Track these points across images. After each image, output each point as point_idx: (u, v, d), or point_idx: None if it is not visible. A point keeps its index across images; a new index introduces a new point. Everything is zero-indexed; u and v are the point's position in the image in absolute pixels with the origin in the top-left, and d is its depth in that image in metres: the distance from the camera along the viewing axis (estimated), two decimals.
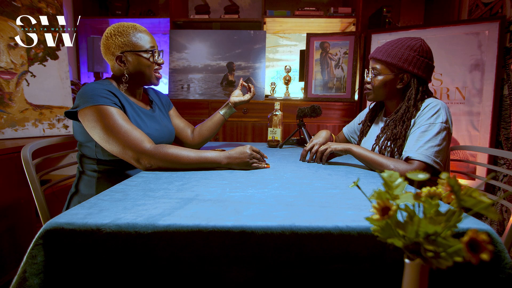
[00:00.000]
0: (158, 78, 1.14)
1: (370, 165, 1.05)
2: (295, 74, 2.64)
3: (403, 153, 1.04)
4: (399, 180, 0.40)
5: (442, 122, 1.01)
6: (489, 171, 1.83)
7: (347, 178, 0.91)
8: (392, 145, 1.09)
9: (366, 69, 1.21)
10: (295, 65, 2.64)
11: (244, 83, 1.45)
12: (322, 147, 1.14)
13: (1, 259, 1.37)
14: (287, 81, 2.56)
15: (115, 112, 0.95)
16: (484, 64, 1.90)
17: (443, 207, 0.58)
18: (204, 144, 1.41)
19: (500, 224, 1.88)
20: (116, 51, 1.04)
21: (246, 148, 1.01)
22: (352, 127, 1.48)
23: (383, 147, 1.12)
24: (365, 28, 2.55)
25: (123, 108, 1.01)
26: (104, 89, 0.98)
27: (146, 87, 1.28)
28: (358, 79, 2.36)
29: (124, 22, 1.08)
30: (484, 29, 1.89)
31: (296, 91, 2.70)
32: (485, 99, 1.91)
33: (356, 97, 2.37)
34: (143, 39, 1.07)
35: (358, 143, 1.34)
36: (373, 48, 2.25)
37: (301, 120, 1.56)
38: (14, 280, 0.50)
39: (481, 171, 1.89)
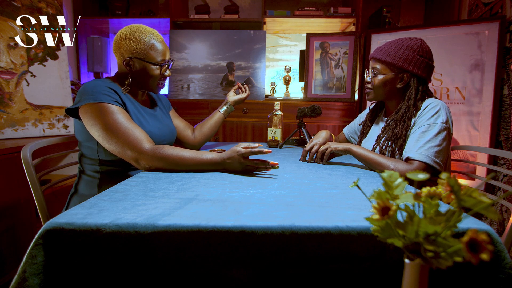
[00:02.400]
0: (159, 88, 1.13)
1: (370, 165, 1.05)
2: (295, 74, 2.64)
3: (403, 153, 1.04)
4: (399, 180, 0.40)
5: (442, 122, 1.01)
6: (489, 171, 1.83)
7: (347, 178, 0.91)
8: (393, 145, 1.09)
9: (366, 69, 1.21)
10: (295, 65, 2.64)
11: (240, 86, 1.48)
12: (322, 147, 1.14)
13: (1, 259, 1.37)
14: (287, 81, 2.56)
15: (116, 110, 0.95)
16: (484, 64, 1.90)
17: (443, 207, 0.58)
18: (205, 143, 1.42)
19: (500, 224, 1.88)
20: (125, 54, 1.03)
21: (237, 156, 0.93)
22: (352, 128, 1.48)
23: (383, 147, 1.12)
24: (365, 28, 2.55)
25: (124, 106, 1.01)
26: (105, 86, 0.98)
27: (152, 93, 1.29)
28: (358, 79, 2.36)
29: (143, 27, 1.05)
30: (484, 29, 1.89)
31: (296, 91, 2.70)
32: (485, 99, 1.91)
33: (356, 97, 2.36)
34: (156, 51, 1.05)
35: (359, 144, 1.34)
36: (373, 48, 2.25)
37: (301, 120, 1.56)
38: (14, 280, 0.50)
39: (481, 171, 1.89)
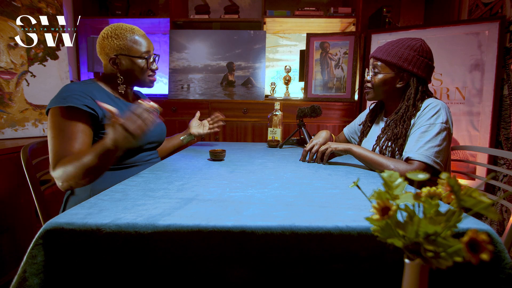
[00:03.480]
0: (152, 81, 1.13)
1: (370, 165, 1.05)
2: (295, 74, 2.64)
3: (403, 153, 1.04)
4: (399, 180, 0.40)
5: (442, 123, 1.01)
6: (489, 171, 1.83)
7: (347, 178, 0.91)
8: (393, 145, 1.09)
9: (366, 68, 1.21)
10: (295, 65, 2.64)
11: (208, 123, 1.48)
12: (322, 147, 1.14)
13: (1, 259, 1.37)
14: (287, 81, 2.56)
15: (71, 118, 0.92)
16: (484, 64, 1.90)
17: (443, 207, 0.58)
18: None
19: (500, 224, 1.88)
20: (111, 53, 1.04)
21: (119, 127, 0.81)
22: (352, 128, 1.48)
23: (383, 147, 1.12)
24: (365, 28, 2.55)
25: (97, 104, 0.97)
26: (81, 91, 0.95)
27: (137, 92, 1.29)
28: (358, 79, 2.36)
29: (123, 24, 1.07)
30: (484, 29, 1.89)
31: (296, 91, 2.70)
32: (485, 99, 1.90)
33: (356, 97, 2.36)
34: (139, 44, 1.06)
35: (359, 144, 1.34)
36: (373, 48, 2.25)
37: (301, 120, 1.56)
38: (14, 280, 0.50)
39: (481, 171, 1.89)
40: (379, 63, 1.14)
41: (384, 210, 0.37)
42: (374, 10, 2.50)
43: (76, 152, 0.90)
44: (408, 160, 1.01)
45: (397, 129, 1.09)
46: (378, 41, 2.24)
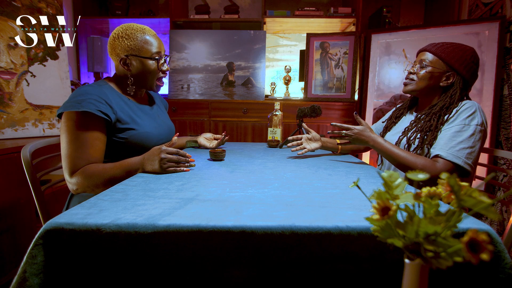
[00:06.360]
0: (158, 86, 1.13)
1: (393, 160, 1.05)
2: (295, 74, 2.64)
3: (432, 150, 1.04)
4: (399, 180, 0.40)
5: (477, 125, 1.01)
6: (489, 171, 1.83)
7: (347, 178, 0.91)
8: (424, 137, 1.09)
9: (409, 62, 1.20)
10: (295, 65, 2.64)
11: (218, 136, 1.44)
12: (350, 131, 1.13)
13: (1, 259, 1.37)
14: (287, 81, 2.56)
15: (87, 125, 0.93)
16: (484, 64, 1.90)
17: (443, 207, 0.58)
18: None
19: (500, 224, 1.88)
20: (121, 53, 1.03)
21: (157, 151, 0.92)
22: (379, 127, 1.44)
23: (411, 138, 1.11)
24: (365, 28, 2.55)
25: (111, 109, 0.98)
26: (95, 94, 0.96)
27: (151, 92, 1.30)
28: (358, 79, 2.36)
29: (134, 24, 1.06)
30: (484, 29, 1.89)
31: (296, 91, 2.70)
32: (485, 99, 1.90)
33: (356, 97, 2.36)
34: (150, 45, 1.05)
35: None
36: (373, 48, 2.25)
37: (301, 120, 1.56)
38: (14, 280, 0.50)
39: (481, 171, 1.89)
40: (430, 57, 1.13)
41: (384, 210, 0.37)
42: (374, 10, 2.50)
43: (93, 160, 0.93)
44: (437, 157, 1.01)
45: (431, 122, 1.09)
46: (378, 41, 2.24)
